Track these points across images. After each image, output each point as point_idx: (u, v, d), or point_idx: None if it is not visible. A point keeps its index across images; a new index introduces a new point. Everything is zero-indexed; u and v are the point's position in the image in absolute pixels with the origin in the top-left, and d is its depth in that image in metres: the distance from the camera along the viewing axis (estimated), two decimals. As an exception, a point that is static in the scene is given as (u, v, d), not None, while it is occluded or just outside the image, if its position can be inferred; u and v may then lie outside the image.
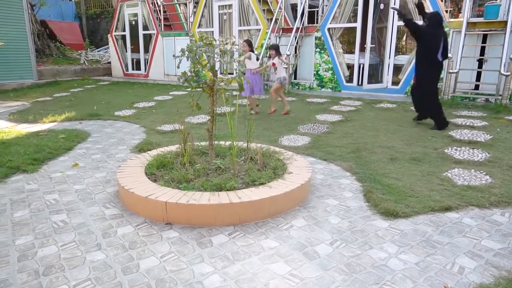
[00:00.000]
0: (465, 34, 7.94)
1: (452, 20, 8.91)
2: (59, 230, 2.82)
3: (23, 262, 2.39)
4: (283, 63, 7.02)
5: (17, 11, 11.99)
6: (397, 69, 9.73)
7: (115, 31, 15.18)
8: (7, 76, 11.93)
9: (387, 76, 9.52)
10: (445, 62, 8.36)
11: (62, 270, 2.31)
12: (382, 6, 9.19)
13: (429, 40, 5.59)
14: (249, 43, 6.92)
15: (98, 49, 18.85)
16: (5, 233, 2.77)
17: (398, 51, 10.19)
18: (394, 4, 8.99)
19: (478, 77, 8.51)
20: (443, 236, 2.71)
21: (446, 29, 6.34)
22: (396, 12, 6.39)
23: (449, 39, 8.52)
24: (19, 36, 12.08)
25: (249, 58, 6.82)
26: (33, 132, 5.89)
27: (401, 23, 9.12)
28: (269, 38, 10.81)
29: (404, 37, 10.75)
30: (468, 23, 8.07)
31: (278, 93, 7.20)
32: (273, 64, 6.92)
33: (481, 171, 3.96)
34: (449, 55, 7.96)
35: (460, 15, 11.01)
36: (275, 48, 7.10)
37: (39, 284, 2.17)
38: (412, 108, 7.50)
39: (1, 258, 2.44)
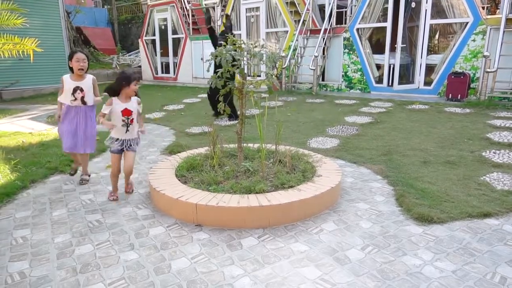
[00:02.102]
0: (503, 31, 7.57)
1: (489, 17, 8.53)
2: (94, 229, 2.92)
3: (61, 260, 2.49)
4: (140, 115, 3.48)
5: (55, 19, 12.60)
6: (430, 69, 9.42)
7: (145, 36, 15.60)
8: (46, 80, 12.54)
9: (419, 76, 9.23)
10: (482, 61, 8.04)
11: (97, 268, 2.39)
12: (413, 4, 8.94)
13: None
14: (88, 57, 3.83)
15: (129, 54, 19.46)
16: (45, 231, 2.91)
17: (430, 50, 9.86)
18: (426, 3, 8.71)
19: (518, 76, 8.09)
20: (482, 243, 2.59)
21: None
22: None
23: (486, 37, 8.17)
24: (57, 42, 12.67)
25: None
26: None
27: (433, 21, 8.86)
28: (297, 40, 10.76)
29: (437, 36, 10.40)
30: (507, 19, 7.69)
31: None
32: (102, 115, 3.26)
33: (523, 176, 3.76)
34: (486, 53, 7.64)
35: (498, 11, 10.51)
36: (126, 79, 3.25)
37: (77, 282, 2.26)
38: (446, 109, 7.25)
39: (42, 255, 2.56)
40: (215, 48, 6.84)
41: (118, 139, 3.37)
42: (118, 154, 3.42)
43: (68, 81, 3.74)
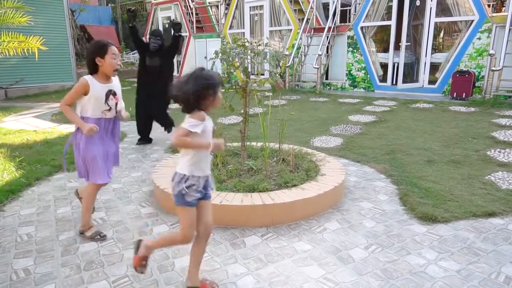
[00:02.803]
0: (509, 29, 7.51)
1: (495, 14, 8.46)
2: (98, 227, 2.93)
3: (66, 257, 2.51)
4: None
5: (59, 17, 12.63)
6: (434, 67, 9.37)
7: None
8: (50, 78, 12.59)
9: (424, 75, 9.18)
10: (488, 59, 7.98)
11: (101, 266, 2.40)
12: (418, 2, 8.88)
13: (173, 56, 5.83)
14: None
15: (133, 52, 19.48)
16: (49, 228, 2.92)
17: (435, 48, 9.80)
18: (431, 1, 8.65)
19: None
20: (487, 243, 2.58)
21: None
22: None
23: (492, 35, 8.10)
24: (61, 41, 12.71)
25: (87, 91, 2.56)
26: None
27: (438, 19, 8.80)
28: (301, 38, 10.73)
29: (442, 34, 10.33)
30: (512, 17, 7.64)
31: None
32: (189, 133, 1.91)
33: (528, 175, 3.73)
34: (492, 51, 7.57)
35: (504, 8, 10.43)
36: (213, 86, 2.00)
37: (81, 279, 2.27)
38: (451, 107, 7.20)
39: (46, 252, 2.57)
40: (138, 49, 5.64)
41: (199, 178, 1.99)
42: (196, 207, 2.00)
43: (97, 84, 2.56)
